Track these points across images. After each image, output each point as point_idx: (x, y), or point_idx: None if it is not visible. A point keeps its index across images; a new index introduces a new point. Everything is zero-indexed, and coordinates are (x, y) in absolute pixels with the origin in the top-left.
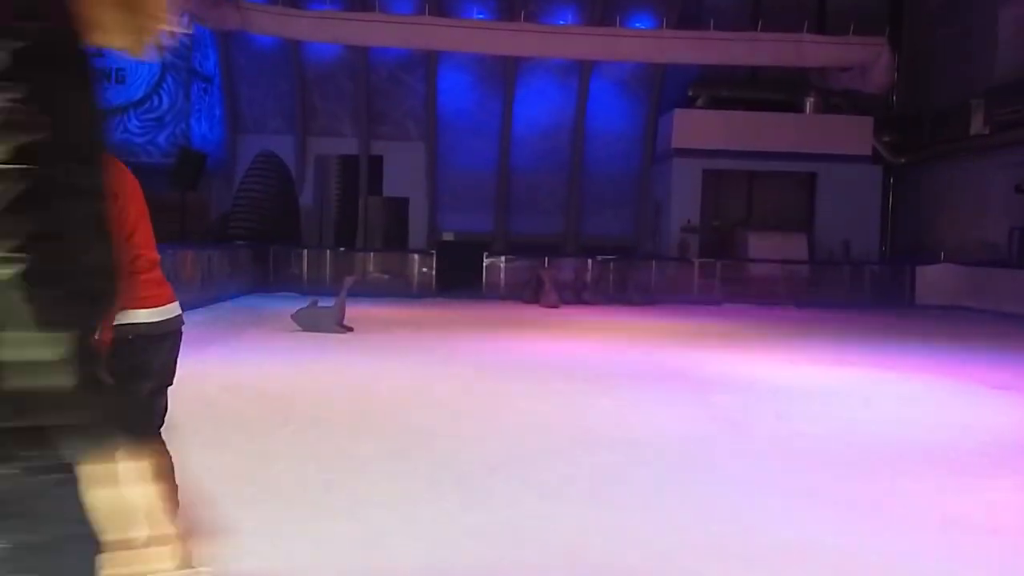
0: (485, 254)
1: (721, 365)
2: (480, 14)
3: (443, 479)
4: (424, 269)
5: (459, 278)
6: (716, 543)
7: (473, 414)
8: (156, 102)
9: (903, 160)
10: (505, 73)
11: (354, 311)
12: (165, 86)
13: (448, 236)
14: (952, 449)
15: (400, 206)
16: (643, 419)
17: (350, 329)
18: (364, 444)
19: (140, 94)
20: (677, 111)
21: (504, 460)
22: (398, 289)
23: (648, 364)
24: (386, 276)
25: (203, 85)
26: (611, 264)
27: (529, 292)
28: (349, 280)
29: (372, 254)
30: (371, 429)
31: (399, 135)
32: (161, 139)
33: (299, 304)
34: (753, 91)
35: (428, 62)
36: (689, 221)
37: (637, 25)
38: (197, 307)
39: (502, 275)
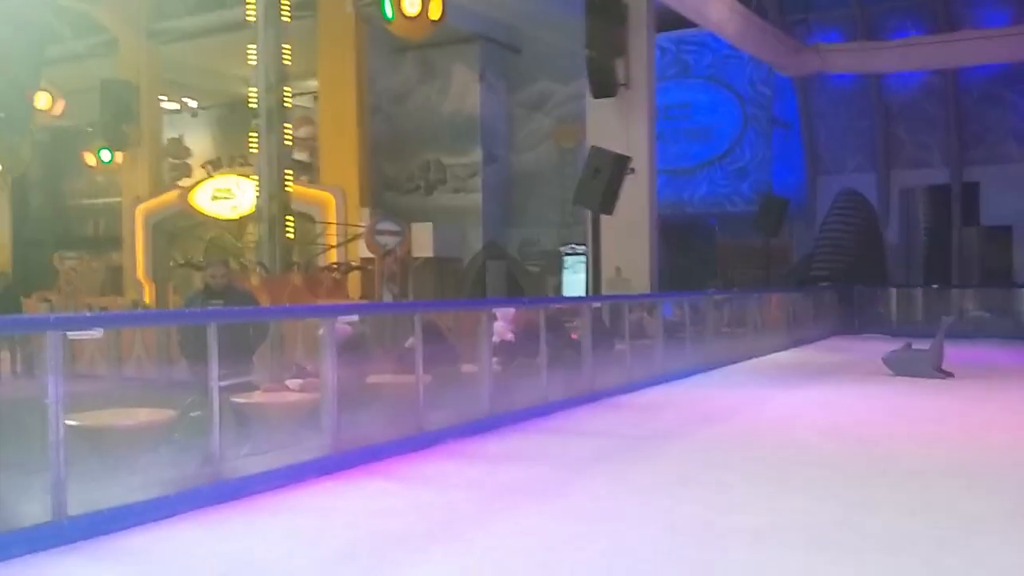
0: None
1: None
2: None
3: None
4: None
5: None
6: None
7: None
8: (739, 153)
9: None
10: None
11: (953, 354)
12: (747, 138)
13: None
14: None
15: (1001, 236)
16: None
17: (950, 374)
18: (976, 501)
19: (724, 148)
20: None
21: None
22: (1003, 329)
23: None
24: (987, 315)
25: (783, 132)
26: None
27: None
28: (947, 320)
29: (970, 291)
30: (983, 485)
31: (997, 158)
32: (744, 188)
33: (889, 346)
34: None
35: None
36: None
37: None
38: (782, 349)
39: None
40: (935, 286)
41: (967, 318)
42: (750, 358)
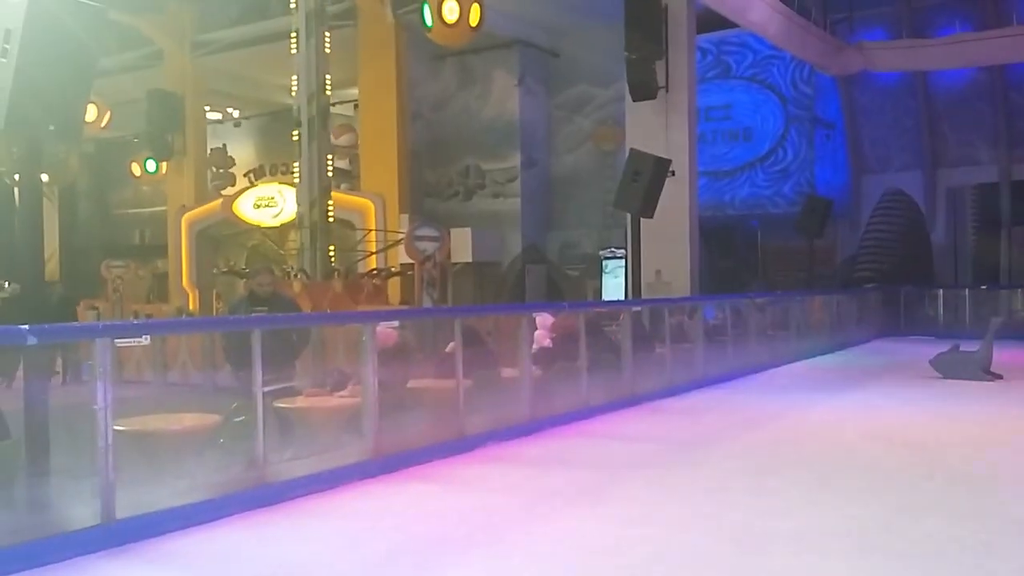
0: None
1: None
2: None
3: None
4: None
5: None
6: None
7: None
8: (781, 155)
9: None
10: None
11: (1002, 356)
12: (789, 138)
13: None
14: None
15: None
16: None
17: (999, 376)
18: None
19: (765, 149)
20: None
21: None
22: None
23: None
24: None
25: (826, 132)
26: None
27: None
28: (995, 321)
29: (1019, 291)
30: None
31: None
32: (787, 189)
33: (936, 349)
34: None
35: None
36: None
37: None
38: (826, 352)
39: None
40: (983, 287)
41: (1016, 319)
42: (793, 361)
